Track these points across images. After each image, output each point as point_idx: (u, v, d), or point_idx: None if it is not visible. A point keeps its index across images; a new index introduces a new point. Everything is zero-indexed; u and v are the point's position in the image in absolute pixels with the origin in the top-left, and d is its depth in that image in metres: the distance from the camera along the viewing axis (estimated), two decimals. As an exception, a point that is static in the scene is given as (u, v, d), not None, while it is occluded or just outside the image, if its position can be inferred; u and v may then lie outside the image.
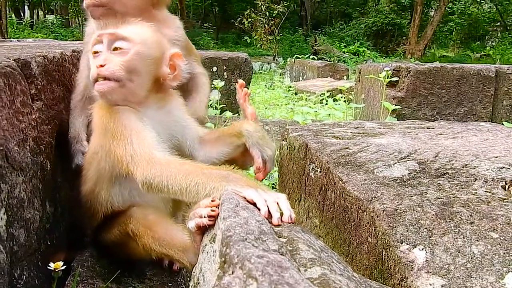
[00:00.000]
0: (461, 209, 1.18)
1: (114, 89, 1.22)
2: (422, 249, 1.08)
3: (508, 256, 1.02)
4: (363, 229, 1.29)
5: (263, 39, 16.04)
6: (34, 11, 25.87)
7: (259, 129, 1.39)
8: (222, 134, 1.43)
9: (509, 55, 18.61)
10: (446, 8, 20.06)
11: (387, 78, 3.01)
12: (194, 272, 1.04)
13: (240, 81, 1.64)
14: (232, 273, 0.70)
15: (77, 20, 24.12)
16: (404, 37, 21.44)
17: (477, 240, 1.07)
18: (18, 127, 1.18)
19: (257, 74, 11.74)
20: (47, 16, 26.00)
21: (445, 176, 1.39)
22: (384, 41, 22.14)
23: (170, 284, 1.46)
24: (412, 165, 1.48)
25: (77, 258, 1.43)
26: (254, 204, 0.97)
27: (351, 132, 1.95)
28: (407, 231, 1.13)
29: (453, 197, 1.25)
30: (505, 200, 1.22)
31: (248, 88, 1.63)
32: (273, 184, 2.60)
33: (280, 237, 0.82)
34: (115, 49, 1.23)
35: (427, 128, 2.05)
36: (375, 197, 1.27)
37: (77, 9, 21.57)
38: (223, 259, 0.71)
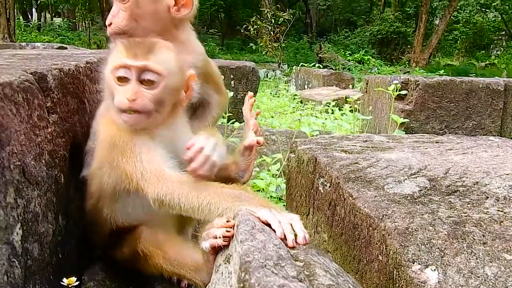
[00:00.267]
0: (474, 228, 1.18)
1: (142, 120, 1.25)
2: (435, 269, 1.08)
3: (522, 278, 1.02)
4: (373, 247, 1.29)
5: (269, 46, 16.09)
6: (42, 14, 26.10)
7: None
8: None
9: (514, 64, 18.56)
10: (451, 17, 20.07)
11: (396, 91, 3.02)
12: (207, 291, 1.05)
13: (250, 93, 1.66)
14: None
15: (84, 23, 24.32)
16: (409, 46, 21.44)
17: (490, 262, 1.07)
18: (35, 141, 1.19)
19: (262, 81, 11.77)
20: (54, 19, 26.22)
21: (456, 194, 1.39)
22: (389, 49, 22.16)
23: (179, 299, 1.46)
24: (423, 181, 1.48)
25: (88, 272, 1.44)
26: (268, 225, 0.98)
27: (360, 146, 1.95)
28: (419, 250, 1.13)
29: (465, 216, 1.25)
30: (517, 220, 1.22)
31: (255, 96, 1.63)
32: (280, 196, 2.60)
33: (297, 260, 0.83)
34: (143, 80, 1.23)
35: (436, 142, 2.05)
36: (386, 215, 1.27)
37: (84, 12, 21.80)
38: (241, 285, 0.72)
